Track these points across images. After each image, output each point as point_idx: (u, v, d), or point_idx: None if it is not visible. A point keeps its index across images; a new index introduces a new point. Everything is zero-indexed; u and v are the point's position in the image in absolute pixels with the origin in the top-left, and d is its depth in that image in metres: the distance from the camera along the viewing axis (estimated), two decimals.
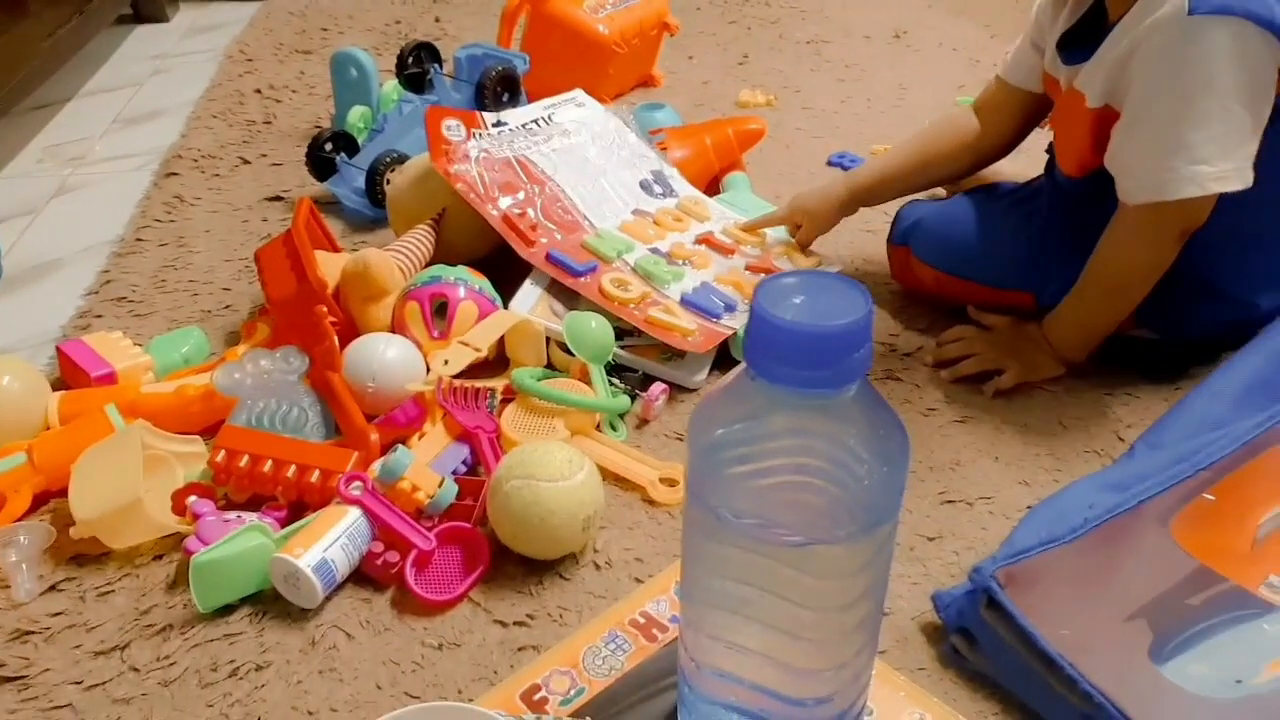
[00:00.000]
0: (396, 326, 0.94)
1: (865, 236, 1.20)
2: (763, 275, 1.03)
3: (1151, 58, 0.78)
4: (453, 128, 1.10)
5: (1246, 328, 0.90)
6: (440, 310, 0.93)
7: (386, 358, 0.88)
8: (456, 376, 0.88)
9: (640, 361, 0.94)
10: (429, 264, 1.02)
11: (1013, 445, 0.87)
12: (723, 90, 1.64)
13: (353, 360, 0.87)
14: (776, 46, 1.82)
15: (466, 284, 0.94)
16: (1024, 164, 1.21)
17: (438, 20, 2.03)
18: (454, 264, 1.04)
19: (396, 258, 0.99)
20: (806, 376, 0.46)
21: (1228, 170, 0.78)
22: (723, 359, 0.96)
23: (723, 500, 0.50)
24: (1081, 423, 0.89)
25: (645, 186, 1.16)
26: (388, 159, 1.22)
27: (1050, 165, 1.00)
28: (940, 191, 1.28)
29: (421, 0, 2.14)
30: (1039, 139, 1.32)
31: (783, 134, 1.47)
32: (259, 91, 1.68)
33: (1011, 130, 1.04)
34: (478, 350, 0.89)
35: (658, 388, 0.90)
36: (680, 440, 0.88)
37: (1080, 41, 0.87)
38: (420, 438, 0.84)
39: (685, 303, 0.97)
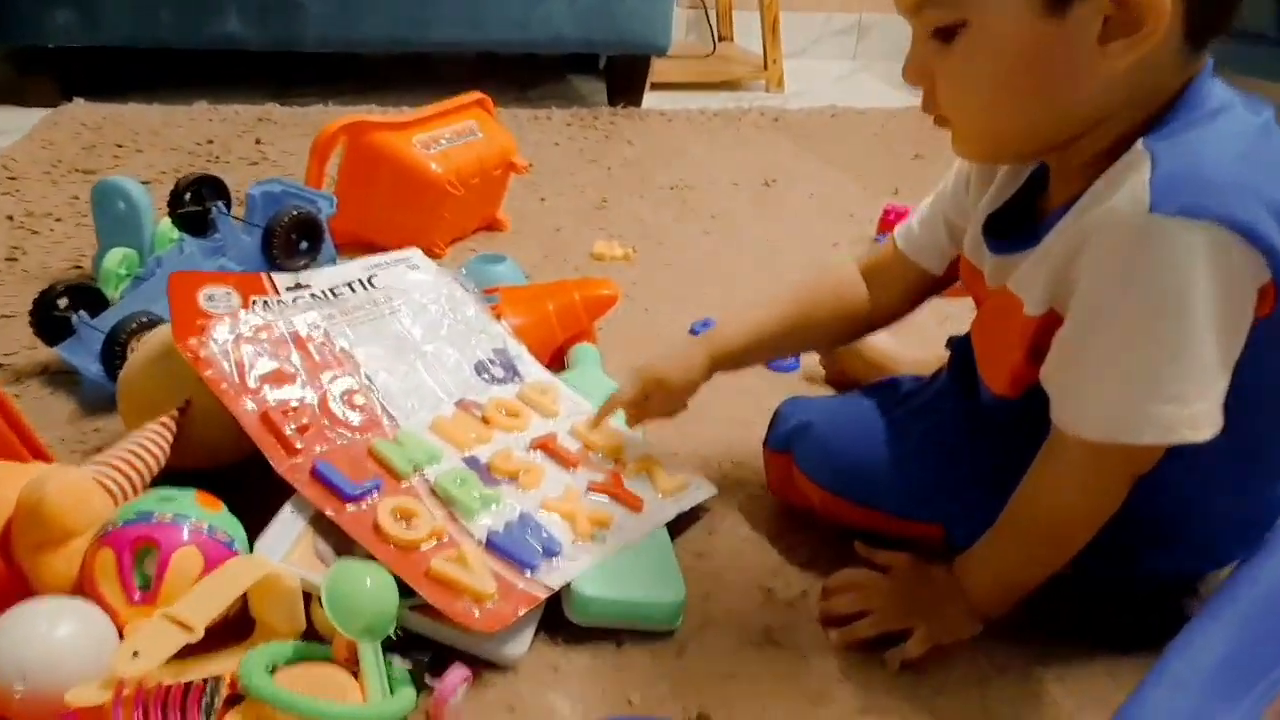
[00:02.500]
0: (84, 584, 0.66)
1: (735, 431, 1.00)
2: (609, 499, 0.81)
3: (1104, 261, 0.60)
4: (217, 297, 0.85)
5: (1198, 579, 0.74)
6: (147, 558, 0.66)
7: (52, 640, 0.60)
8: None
9: (435, 628, 0.68)
10: (157, 480, 0.76)
11: None
12: (577, 238, 1.45)
13: None
14: (638, 191, 1.66)
15: (190, 521, 0.68)
16: (917, 345, 1.06)
17: (259, 142, 1.79)
18: (205, 469, 0.79)
19: (105, 475, 0.72)
20: None
21: (1199, 412, 0.60)
22: (551, 618, 0.72)
23: None
24: (1011, 710, 0.68)
25: (481, 369, 0.93)
26: (134, 323, 0.95)
27: (956, 365, 0.83)
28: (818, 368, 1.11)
29: (243, 118, 1.91)
30: (932, 317, 1.16)
31: (641, 294, 1.28)
32: (12, 218, 1.39)
33: (901, 305, 0.88)
34: (187, 628, 0.62)
35: (456, 676, 0.65)
36: None
37: (1010, 229, 0.71)
38: None
39: (491, 545, 0.73)
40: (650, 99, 2.18)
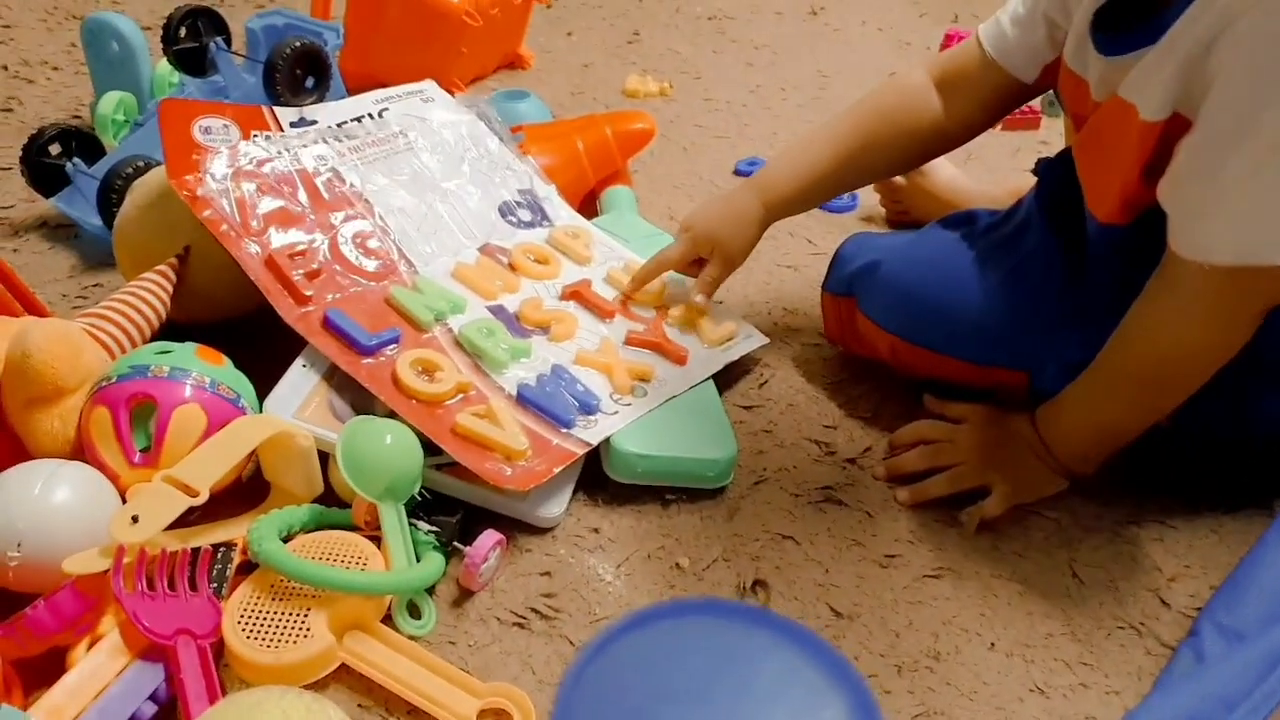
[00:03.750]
0: (82, 446, 0.61)
1: (784, 274, 0.91)
2: (649, 352, 0.74)
3: (1254, 45, 0.50)
4: (214, 130, 0.77)
5: None
6: (147, 418, 0.60)
7: (48, 505, 0.55)
8: (173, 527, 0.55)
9: (464, 488, 0.62)
10: (157, 334, 0.69)
11: (1012, 618, 0.59)
12: (607, 75, 1.33)
13: None
14: (673, 22, 1.52)
15: (191, 375, 0.61)
16: (988, 180, 0.95)
17: None
18: (210, 322, 0.73)
19: (96, 326, 0.66)
20: None
21: None
22: (591, 475, 0.66)
23: None
24: (1104, 575, 0.62)
25: (506, 211, 0.85)
26: (130, 167, 0.87)
27: (1044, 192, 0.72)
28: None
29: None
30: (999, 144, 1.05)
31: (679, 133, 1.17)
32: (6, 68, 1.29)
33: (983, 118, 0.76)
34: (191, 491, 0.56)
35: (488, 540, 0.59)
36: (523, 626, 0.57)
37: (1123, 23, 0.59)
38: (90, 648, 0.52)
39: (523, 399, 0.66)
40: None
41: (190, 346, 0.64)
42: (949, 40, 1.30)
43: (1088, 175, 0.65)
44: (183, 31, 1.04)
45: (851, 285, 0.74)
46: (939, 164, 0.96)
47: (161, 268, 0.73)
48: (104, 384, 0.61)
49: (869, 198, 1.02)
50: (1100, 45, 0.60)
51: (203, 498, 0.56)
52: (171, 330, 0.71)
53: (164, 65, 1.09)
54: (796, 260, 0.93)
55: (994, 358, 0.69)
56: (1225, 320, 0.56)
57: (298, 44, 0.97)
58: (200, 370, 0.62)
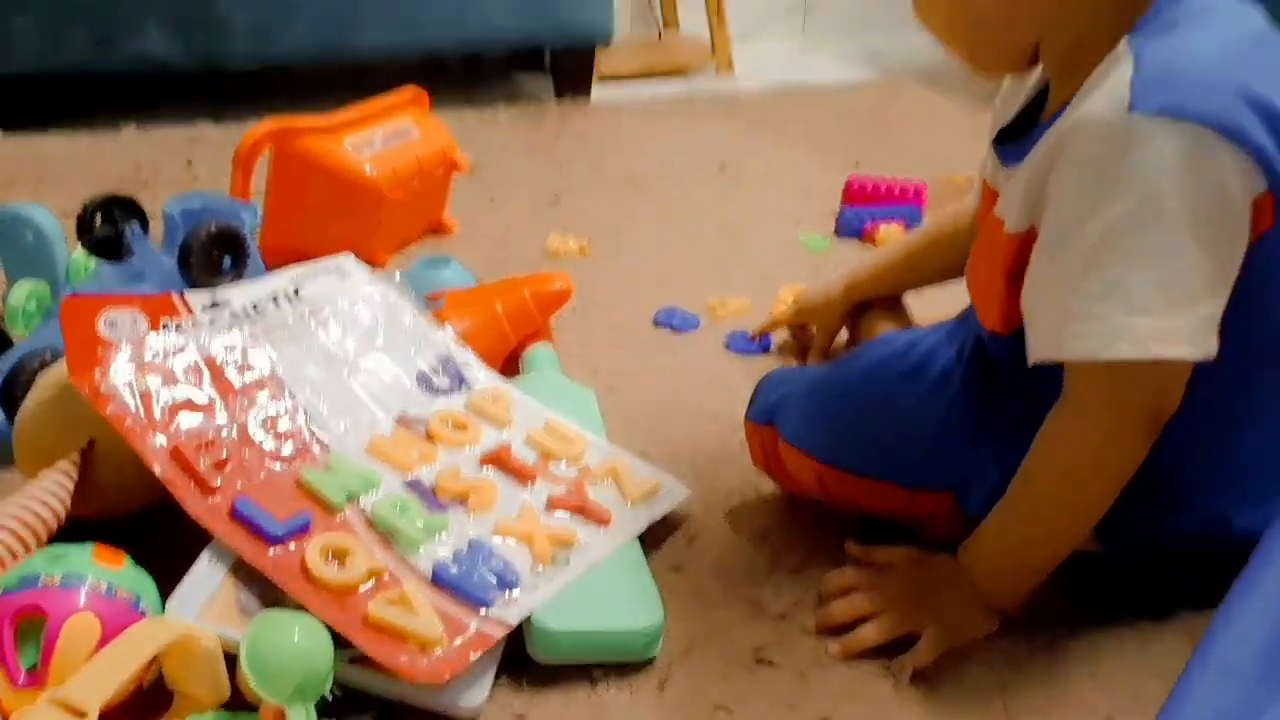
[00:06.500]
0: None
1: (707, 425, 0.92)
2: (571, 516, 0.73)
3: (1078, 163, 0.57)
4: (120, 323, 0.76)
5: (1221, 545, 0.66)
6: (38, 633, 0.57)
7: None
8: None
9: (380, 682, 0.59)
10: (54, 535, 0.67)
11: None
12: (528, 236, 1.37)
13: None
14: (591, 184, 1.57)
15: (86, 581, 0.59)
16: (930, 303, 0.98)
17: (190, 164, 1.69)
18: (118, 515, 0.70)
19: None
20: None
21: (1175, 329, 0.55)
22: (515, 655, 0.63)
23: None
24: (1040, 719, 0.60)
25: (424, 380, 0.84)
26: (37, 360, 0.85)
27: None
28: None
29: (174, 139, 1.80)
30: None
31: (598, 289, 1.20)
32: None
33: None
34: (79, 713, 0.52)
35: None
36: None
37: (1018, 136, 0.65)
38: None
39: (438, 580, 0.64)
40: (599, 92, 2.09)
41: (88, 548, 0.61)
42: (849, 186, 1.37)
43: (973, 288, 0.71)
44: (98, 220, 1.05)
45: (773, 414, 0.75)
46: None
47: (63, 464, 0.71)
48: None
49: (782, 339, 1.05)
50: (1001, 156, 0.67)
51: (91, 719, 0.53)
52: (75, 527, 0.68)
53: (80, 252, 1.09)
54: (718, 409, 0.94)
55: (919, 478, 0.70)
56: (1111, 429, 0.59)
57: (213, 228, 0.98)
58: (96, 575, 0.59)
